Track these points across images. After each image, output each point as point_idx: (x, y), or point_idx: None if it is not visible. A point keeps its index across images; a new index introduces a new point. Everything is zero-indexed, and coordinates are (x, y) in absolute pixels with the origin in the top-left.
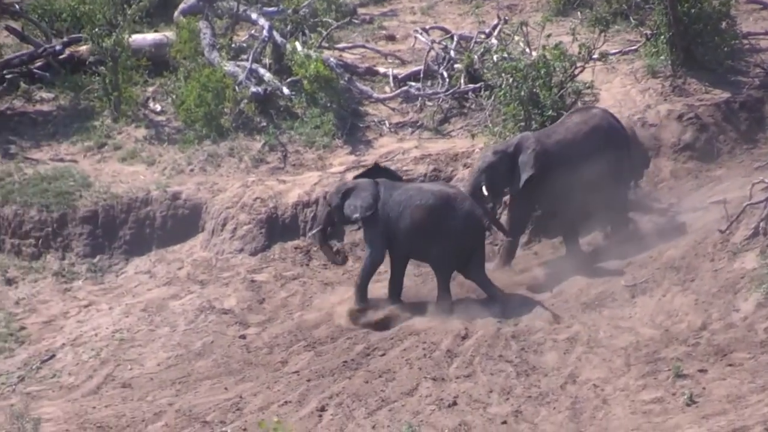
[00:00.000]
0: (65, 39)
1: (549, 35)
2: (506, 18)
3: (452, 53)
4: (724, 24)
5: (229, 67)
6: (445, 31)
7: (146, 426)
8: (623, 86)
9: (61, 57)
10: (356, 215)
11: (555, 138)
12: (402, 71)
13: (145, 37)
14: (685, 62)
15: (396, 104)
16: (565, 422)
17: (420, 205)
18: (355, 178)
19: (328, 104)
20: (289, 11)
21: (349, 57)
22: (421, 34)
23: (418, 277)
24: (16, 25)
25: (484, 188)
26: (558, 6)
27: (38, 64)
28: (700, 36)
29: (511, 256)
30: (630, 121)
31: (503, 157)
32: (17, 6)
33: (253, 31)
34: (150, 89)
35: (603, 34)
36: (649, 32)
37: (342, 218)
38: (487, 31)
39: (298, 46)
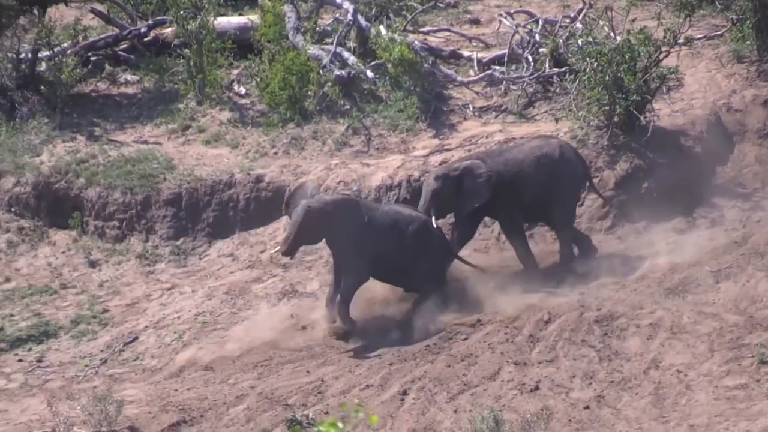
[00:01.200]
0: (150, 21)
1: (634, 20)
2: (591, 2)
3: (537, 37)
4: None
5: (313, 50)
6: (530, 15)
7: (228, 409)
8: (708, 71)
9: (146, 39)
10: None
11: (505, 157)
12: (486, 55)
13: (230, 20)
14: None
15: (480, 88)
16: (648, 408)
17: None
18: None
19: (412, 88)
20: None
21: (433, 41)
22: (505, 17)
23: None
24: (101, 7)
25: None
26: None
27: (123, 46)
28: None
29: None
30: (715, 106)
31: (447, 181)
32: None
33: (337, 15)
34: (234, 72)
35: (688, 19)
36: (734, 17)
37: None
38: (572, 15)
39: (383, 29)
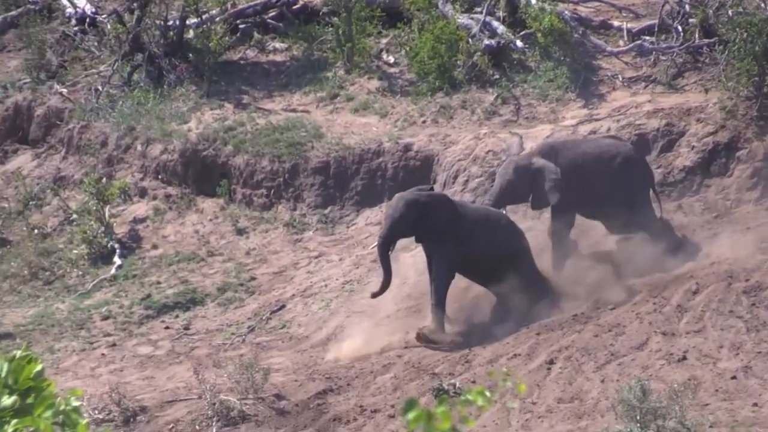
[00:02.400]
0: None
1: None
2: None
3: (687, 7)
4: None
5: (462, 19)
6: None
7: (375, 377)
8: None
9: (294, 7)
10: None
11: (582, 149)
12: (636, 25)
13: None
14: None
15: (629, 58)
16: None
17: None
18: None
19: (562, 58)
20: None
21: (583, 10)
22: None
23: None
24: None
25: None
26: None
27: (272, 14)
28: None
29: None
30: None
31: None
32: None
33: None
34: (383, 41)
35: None
36: None
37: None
38: None
39: None
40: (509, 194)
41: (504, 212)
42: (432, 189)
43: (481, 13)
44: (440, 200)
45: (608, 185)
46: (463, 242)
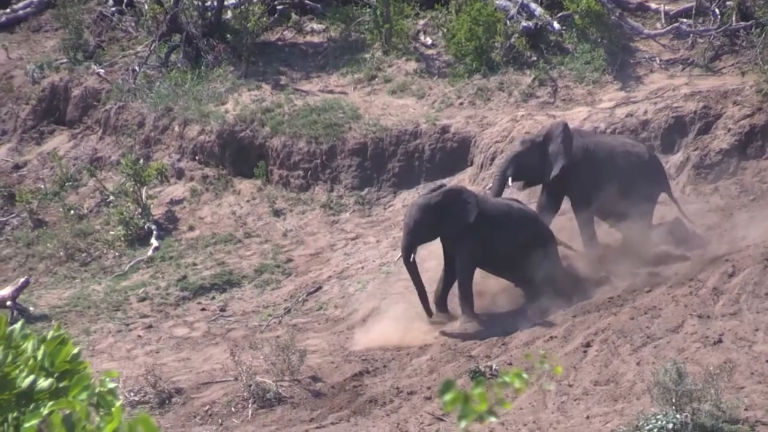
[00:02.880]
0: None
1: None
2: None
3: None
4: None
5: (500, 1)
6: None
7: (411, 359)
8: None
9: None
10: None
11: (598, 138)
12: (673, 7)
13: None
14: None
15: (666, 41)
16: None
17: None
18: None
19: (599, 40)
20: None
21: None
22: None
23: None
24: None
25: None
26: None
27: None
28: None
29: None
30: None
31: (531, 146)
32: None
33: None
34: (421, 22)
35: None
36: None
37: None
38: None
39: None
40: (518, 168)
41: (520, 203)
42: (443, 185)
43: None
44: (453, 195)
45: (617, 182)
46: (484, 237)
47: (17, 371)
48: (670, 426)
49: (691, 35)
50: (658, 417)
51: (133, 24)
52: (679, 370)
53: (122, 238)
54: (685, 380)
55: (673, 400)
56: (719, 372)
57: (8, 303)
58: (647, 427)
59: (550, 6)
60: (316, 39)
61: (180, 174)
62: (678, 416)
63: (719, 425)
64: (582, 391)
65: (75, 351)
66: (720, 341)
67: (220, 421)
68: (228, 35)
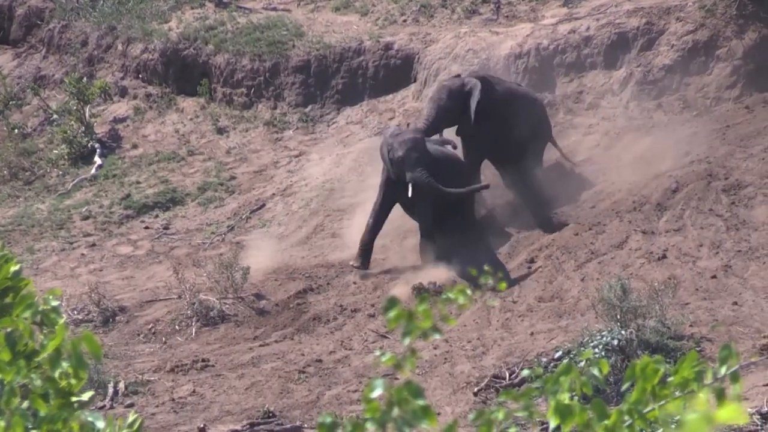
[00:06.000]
0: None
1: None
2: None
3: None
4: None
5: None
6: None
7: (354, 277)
8: None
9: None
10: None
11: (505, 86)
12: None
13: None
14: None
15: None
16: None
17: None
18: None
19: None
20: None
21: None
22: None
23: None
24: None
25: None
26: None
27: None
28: None
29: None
30: None
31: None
32: None
33: None
34: None
35: None
36: None
37: None
38: None
39: None
40: (443, 119)
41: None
42: (408, 125)
43: None
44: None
45: (521, 129)
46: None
47: None
48: (615, 342)
49: None
50: (603, 333)
51: None
52: (623, 286)
53: (66, 157)
54: (629, 296)
55: (618, 317)
56: (664, 288)
57: None
58: (592, 344)
59: None
60: None
61: (123, 92)
62: (623, 332)
63: (664, 341)
64: (526, 307)
65: (16, 268)
66: (664, 257)
67: (163, 339)
68: None
